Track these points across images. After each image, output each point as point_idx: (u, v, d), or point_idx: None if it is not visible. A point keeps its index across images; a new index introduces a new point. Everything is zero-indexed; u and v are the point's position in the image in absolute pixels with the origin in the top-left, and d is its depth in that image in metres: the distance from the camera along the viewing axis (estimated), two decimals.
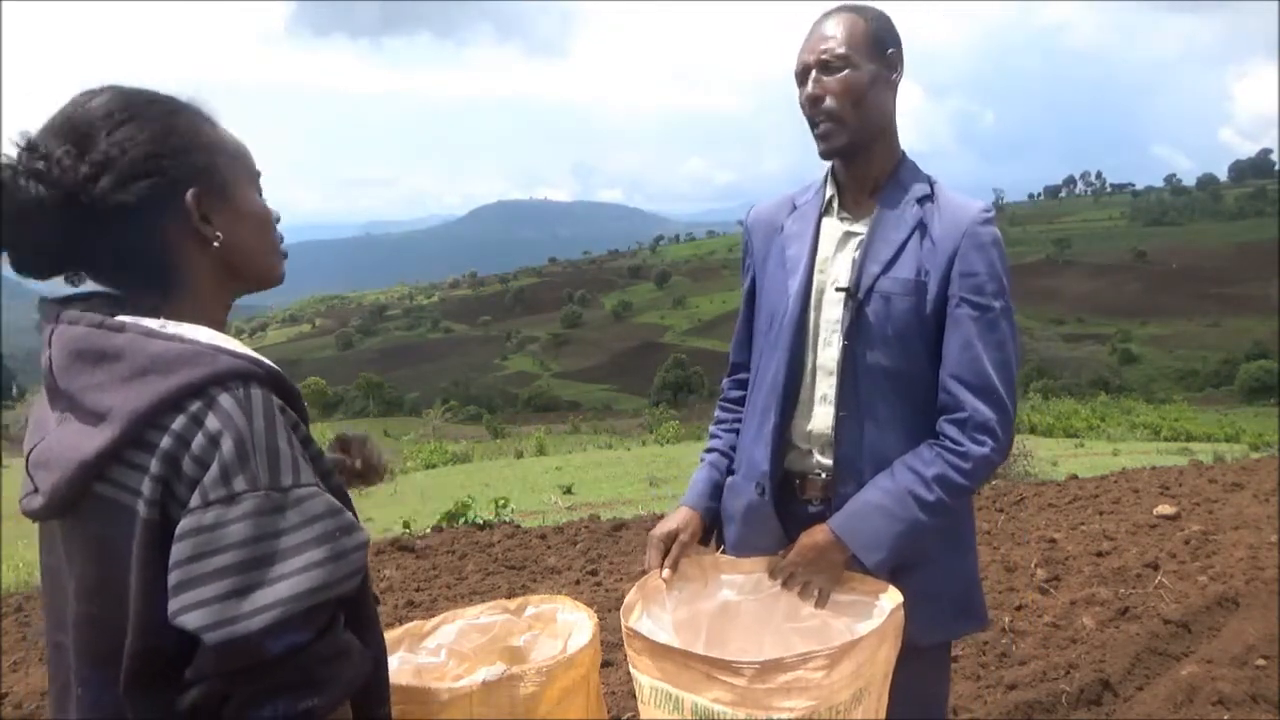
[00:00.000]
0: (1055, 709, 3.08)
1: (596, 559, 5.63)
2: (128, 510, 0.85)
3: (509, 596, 4.79)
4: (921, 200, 1.61)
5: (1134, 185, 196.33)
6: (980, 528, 6.47)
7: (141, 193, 0.92)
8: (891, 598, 1.50)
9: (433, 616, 1.68)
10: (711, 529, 1.78)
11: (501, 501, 7.40)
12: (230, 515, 0.82)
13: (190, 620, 0.80)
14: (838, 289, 1.62)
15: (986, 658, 3.58)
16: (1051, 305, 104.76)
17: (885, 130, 1.63)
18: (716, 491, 1.77)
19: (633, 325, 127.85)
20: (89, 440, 0.86)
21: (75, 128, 0.93)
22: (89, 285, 0.99)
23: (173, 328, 0.91)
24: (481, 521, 6.92)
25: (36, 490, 0.90)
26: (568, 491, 10.73)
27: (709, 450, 1.84)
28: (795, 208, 1.74)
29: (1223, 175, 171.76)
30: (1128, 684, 3.27)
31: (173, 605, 0.81)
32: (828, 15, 1.61)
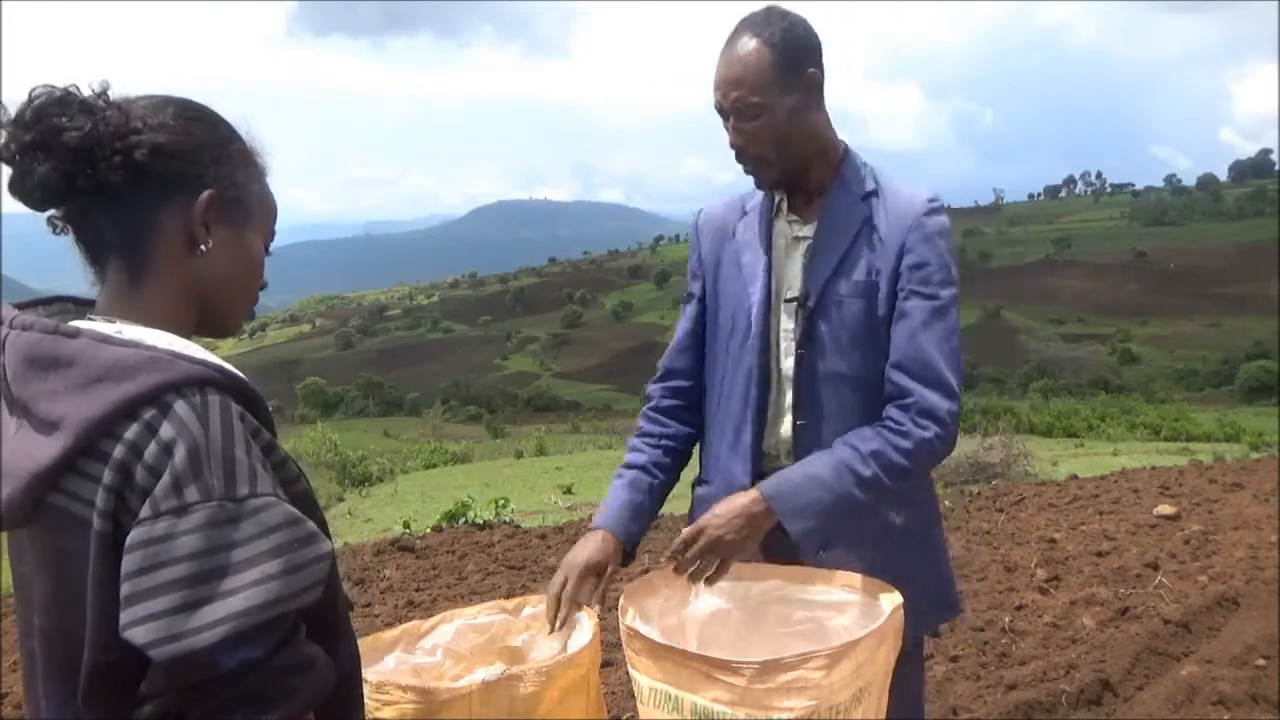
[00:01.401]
0: (1055, 709, 3.08)
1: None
2: (81, 521, 0.84)
3: (509, 596, 4.79)
4: (867, 197, 1.58)
5: (1134, 185, 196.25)
6: (980, 528, 6.47)
7: (164, 168, 0.93)
8: (891, 598, 1.50)
9: (432, 616, 1.67)
10: (631, 555, 1.69)
11: (501, 501, 7.39)
12: (181, 526, 0.80)
13: (138, 635, 0.78)
14: (786, 300, 1.59)
15: (986, 658, 3.58)
16: (1051, 305, 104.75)
17: (819, 148, 1.59)
18: (636, 514, 1.68)
19: (633, 325, 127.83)
20: (41, 450, 0.84)
21: (136, 100, 0.95)
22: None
23: (130, 333, 0.89)
24: (481, 521, 6.91)
25: None
26: (568, 491, 10.71)
27: (629, 466, 1.73)
28: (745, 211, 1.69)
29: (1223, 175, 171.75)
30: (1128, 684, 3.27)
31: (123, 619, 0.80)
32: (733, 43, 1.52)
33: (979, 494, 8.18)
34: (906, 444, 1.48)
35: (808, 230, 1.61)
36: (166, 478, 0.81)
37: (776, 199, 1.65)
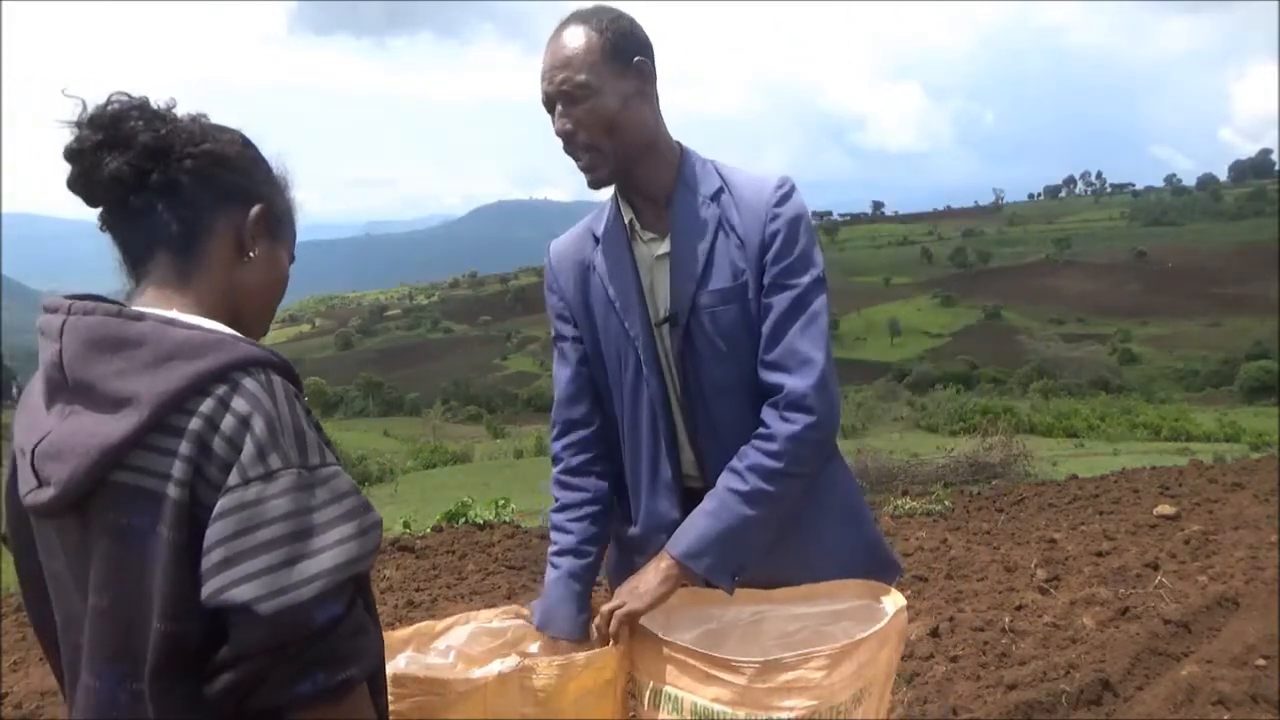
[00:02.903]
0: (1055, 709, 3.08)
1: None
2: (151, 495, 0.86)
3: (509, 596, 4.79)
4: (715, 196, 1.53)
5: (1134, 185, 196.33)
6: (980, 528, 6.47)
7: (228, 177, 1.02)
8: (894, 601, 1.49)
9: (433, 616, 1.65)
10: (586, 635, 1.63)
11: (501, 501, 7.40)
12: (270, 491, 0.85)
13: (241, 593, 0.82)
14: (657, 324, 1.55)
15: (986, 658, 3.58)
16: (1051, 305, 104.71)
17: (652, 143, 1.52)
18: (581, 606, 1.59)
19: None
20: (111, 426, 0.86)
21: (203, 122, 1.03)
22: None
23: (188, 319, 0.94)
24: (481, 521, 6.92)
25: (42, 484, 0.90)
26: None
27: (559, 553, 1.64)
28: (597, 240, 1.61)
29: (1223, 175, 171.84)
30: (1128, 684, 3.26)
31: (216, 583, 0.83)
32: (560, 31, 1.47)
33: (979, 494, 8.19)
34: (774, 445, 1.45)
35: (666, 245, 1.55)
36: (250, 447, 0.86)
37: (627, 219, 1.57)
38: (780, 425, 1.46)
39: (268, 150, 1.10)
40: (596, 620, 1.51)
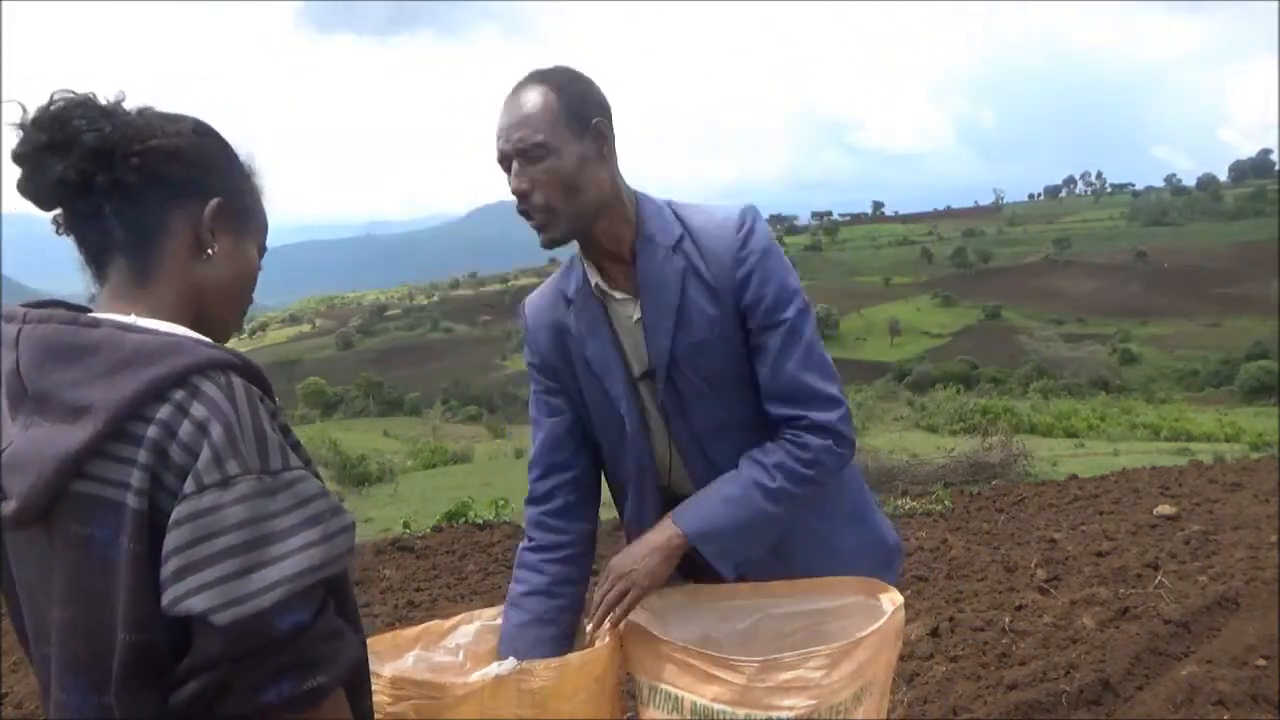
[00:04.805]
0: (1055, 709, 3.08)
1: (597, 559, 5.62)
2: (112, 505, 0.85)
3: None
4: (678, 244, 1.49)
5: (1134, 185, 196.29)
6: (980, 528, 6.47)
7: (178, 173, 0.97)
8: (892, 599, 1.50)
9: (433, 616, 1.67)
10: None
11: (501, 501, 7.40)
12: (226, 498, 0.83)
13: (196, 604, 0.81)
14: (636, 379, 1.55)
15: (986, 658, 3.58)
16: (1051, 305, 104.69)
17: (609, 202, 1.47)
18: (559, 648, 1.57)
19: None
20: (68, 436, 0.85)
21: (154, 110, 0.99)
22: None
23: (146, 323, 0.92)
24: (481, 521, 6.93)
25: (6, 496, 0.88)
26: None
27: (529, 593, 1.60)
28: (569, 300, 1.58)
29: (1223, 175, 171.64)
30: (1128, 684, 3.27)
31: (173, 593, 0.81)
32: (518, 90, 1.44)
33: (979, 494, 8.18)
34: (807, 455, 1.47)
35: (637, 305, 1.52)
36: (207, 453, 0.84)
37: (594, 283, 1.54)
38: (811, 438, 1.48)
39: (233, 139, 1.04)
40: (597, 615, 1.50)
